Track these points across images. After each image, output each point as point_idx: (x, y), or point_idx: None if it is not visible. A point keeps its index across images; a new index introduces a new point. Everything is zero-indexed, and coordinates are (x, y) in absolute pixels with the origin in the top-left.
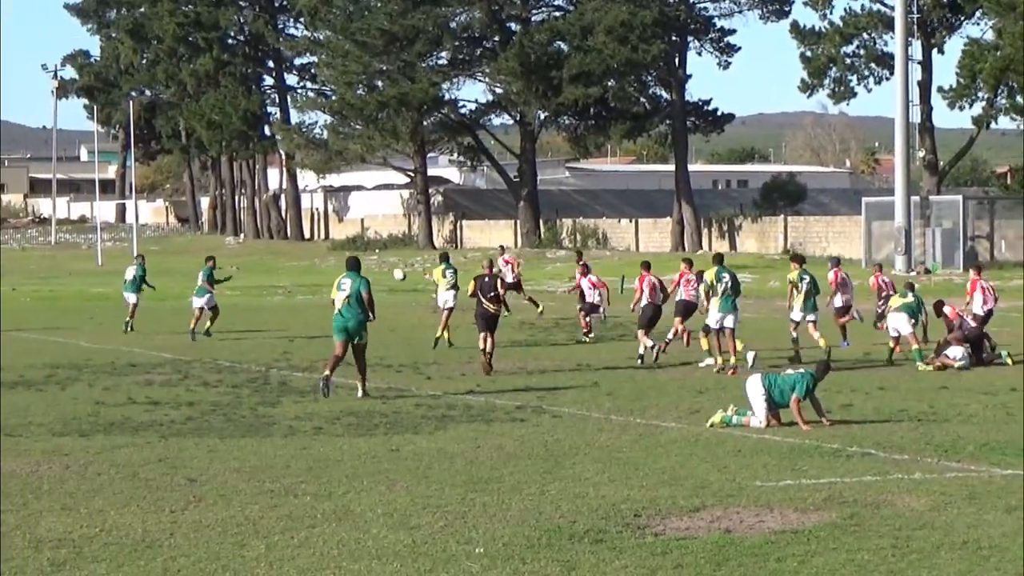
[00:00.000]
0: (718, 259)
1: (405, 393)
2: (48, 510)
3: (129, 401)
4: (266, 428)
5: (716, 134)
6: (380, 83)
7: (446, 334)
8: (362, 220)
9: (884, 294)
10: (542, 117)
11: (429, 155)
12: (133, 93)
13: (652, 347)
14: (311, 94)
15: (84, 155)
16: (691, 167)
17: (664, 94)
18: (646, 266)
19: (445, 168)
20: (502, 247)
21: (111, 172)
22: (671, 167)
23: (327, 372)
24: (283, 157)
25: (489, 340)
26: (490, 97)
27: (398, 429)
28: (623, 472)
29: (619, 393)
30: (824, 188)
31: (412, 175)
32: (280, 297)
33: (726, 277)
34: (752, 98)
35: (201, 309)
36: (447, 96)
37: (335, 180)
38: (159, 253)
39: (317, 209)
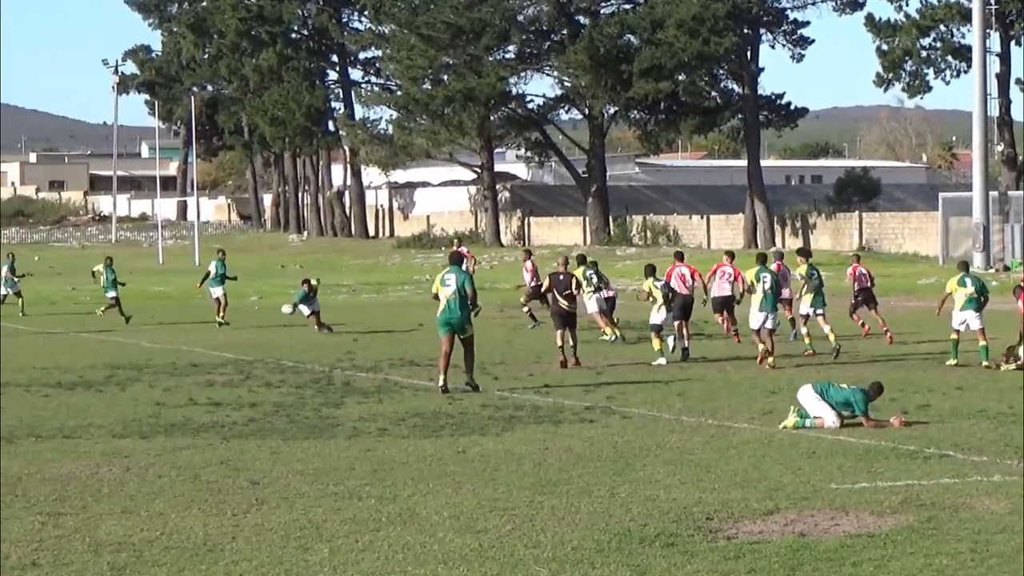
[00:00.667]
0: (761, 259)
1: (472, 394)
2: (108, 513)
3: (190, 402)
4: (330, 430)
5: (789, 128)
6: (446, 77)
7: (610, 331)
8: (428, 217)
9: (860, 286)
10: (611, 112)
11: (496, 150)
12: (195, 88)
13: (675, 346)
14: (376, 89)
15: (145, 152)
16: (763, 162)
17: (736, 88)
18: (679, 256)
19: (512, 164)
20: (457, 239)
21: (172, 169)
22: (743, 162)
23: (442, 376)
24: (347, 153)
25: (570, 335)
26: (558, 91)
27: (464, 430)
28: (694, 474)
29: (690, 393)
30: (900, 183)
31: (479, 171)
32: (344, 295)
33: (767, 276)
34: (826, 92)
35: (313, 312)
36: (514, 90)
37: (400, 176)
38: None
39: (382, 206)
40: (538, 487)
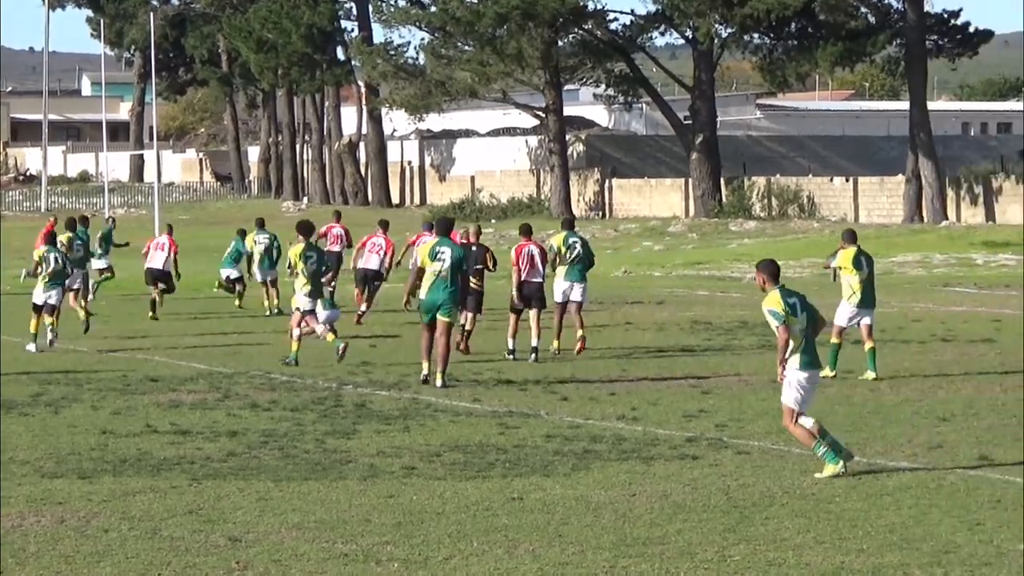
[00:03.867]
0: (567, 224)
1: (531, 421)
2: None
3: (148, 429)
4: (338, 468)
5: (967, 58)
6: None
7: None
8: (472, 178)
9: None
10: (723, 35)
11: (566, 88)
12: (155, 2)
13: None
14: (402, 2)
15: (87, 88)
16: (931, 105)
17: (895, 2)
18: (527, 232)
19: (588, 106)
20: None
21: (124, 112)
22: (903, 104)
23: (425, 365)
24: (362, 91)
25: (471, 318)
26: (651, 7)
27: (522, 469)
28: (835, 530)
29: (830, 420)
30: None
31: (542, 115)
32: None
33: (576, 242)
34: (1018, 9)
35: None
36: (592, 5)
37: (435, 123)
38: (189, 224)
39: (410, 163)
40: (621, 547)
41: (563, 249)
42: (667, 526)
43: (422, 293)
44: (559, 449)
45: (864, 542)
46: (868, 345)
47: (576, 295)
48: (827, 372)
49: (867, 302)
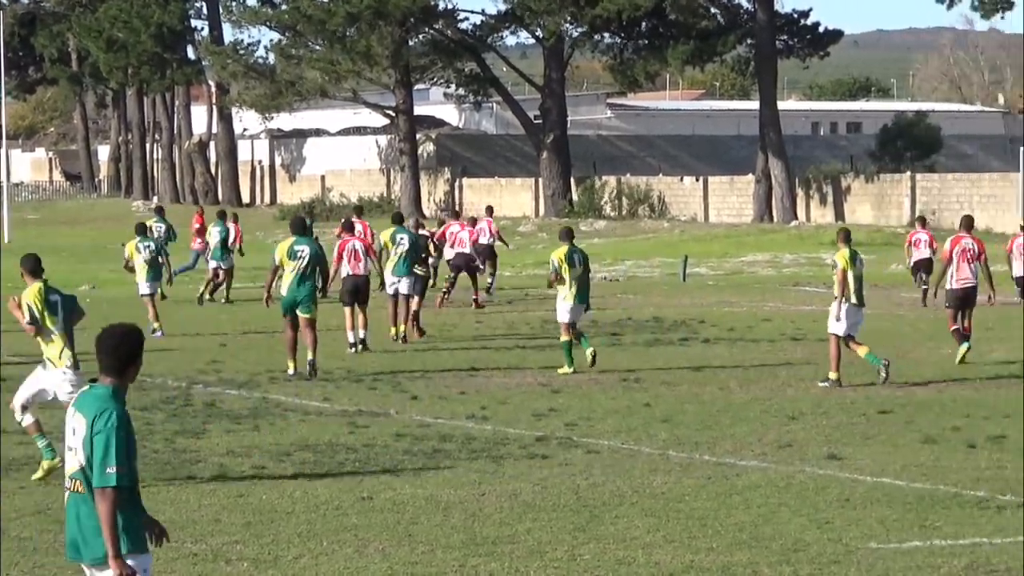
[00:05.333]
0: (397, 219)
1: (380, 420)
2: None
3: None
4: (187, 467)
5: (817, 59)
6: None
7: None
8: (322, 177)
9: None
10: (574, 35)
11: (416, 87)
12: (4, 0)
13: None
14: (252, 2)
15: None
16: (782, 104)
17: (745, 2)
18: (349, 227)
19: (439, 105)
20: (357, 208)
21: None
22: (753, 104)
23: (291, 364)
24: (212, 90)
25: (417, 301)
26: (501, 6)
27: (371, 468)
28: (685, 529)
29: (679, 419)
30: (967, 134)
31: (393, 115)
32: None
33: (404, 238)
34: (868, 10)
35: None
36: (442, 5)
37: (285, 122)
38: (39, 223)
39: (260, 162)
40: (471, 546)
41: (390, 244)
42: (517, 525)
43: (282, 290)
44: (409, 448)
45: (714, 540)
46: (567, 339)
47: (403, 288)
48: (565, 369)
49: (581, 298)
